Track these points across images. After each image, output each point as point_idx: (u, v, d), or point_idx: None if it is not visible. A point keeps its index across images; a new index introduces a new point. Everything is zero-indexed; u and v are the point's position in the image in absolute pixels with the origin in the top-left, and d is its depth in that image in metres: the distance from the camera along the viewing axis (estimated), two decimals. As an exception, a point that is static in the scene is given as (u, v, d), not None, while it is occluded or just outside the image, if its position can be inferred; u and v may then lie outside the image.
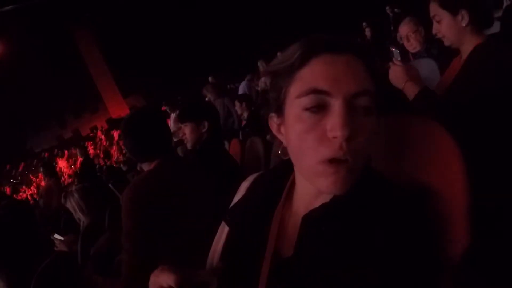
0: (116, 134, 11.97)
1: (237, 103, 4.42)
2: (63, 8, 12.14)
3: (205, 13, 12.02)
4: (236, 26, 11.37)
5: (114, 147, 10.67)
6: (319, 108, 0.55)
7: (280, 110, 0.62)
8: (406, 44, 2.60)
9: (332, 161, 0.54)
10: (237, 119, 4.62)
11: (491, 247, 0.89)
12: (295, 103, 0.57)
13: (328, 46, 0.57)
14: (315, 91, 0.55)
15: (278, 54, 0.64)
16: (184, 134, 1.92)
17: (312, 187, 0.61)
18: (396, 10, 6.30)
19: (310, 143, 0.56)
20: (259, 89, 5.35)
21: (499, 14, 2.41)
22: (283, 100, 0.60)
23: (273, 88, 0.62)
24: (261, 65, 5.90)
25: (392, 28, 6.17)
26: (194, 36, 12.31)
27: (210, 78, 6.22)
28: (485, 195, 0.78)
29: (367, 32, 6.67)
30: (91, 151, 12.00)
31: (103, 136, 13.15)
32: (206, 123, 1.89)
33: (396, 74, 1.42)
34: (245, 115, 4.30)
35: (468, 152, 0.66)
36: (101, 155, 10.28)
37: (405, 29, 2.60)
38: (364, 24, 6.88)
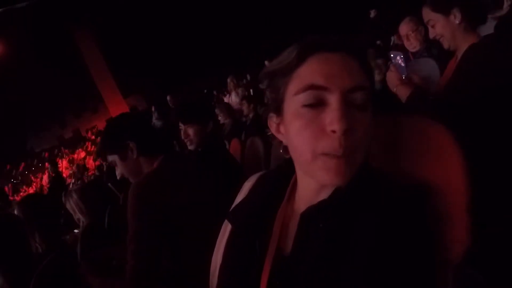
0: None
1: (244, 103, 4.53)
2: (63, 8, 12.14)
3: (205, 13, 12.02)
4: (236, 26, 11.36)
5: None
6: (317, 104, 0.57)
7: (279, 110, 0.64)
8: (406, 44, 2.60)
9: (331, 154, 0.56)
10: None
11: (491, 247, 0.88)
12: (294, 100, 0.60)
13: (323, 45, 0.59)
14: (313, 87, 0.57)
15: (266, 62, 0.67)
16: (188, 135, 1.87)
17: (313, 184, 0.63)
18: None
19: (309, 137, 0.57)
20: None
21: (499, 13, 2.40)
22: (282, 99, 0.62)
23: (272, 88, 0.64)
24: (231, 81, 5.98)
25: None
26: (194, 36, 12.31)
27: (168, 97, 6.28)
28: (485, 195, 0.78)
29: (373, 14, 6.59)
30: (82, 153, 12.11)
31: (93, 137, 13.17)
32: (211, 124, 1.86)
33: (388, 78, 1.47)
34: (251, 115, 4.40)
35: (466, 151, 0.66)
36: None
37: (404, 29, 2.60)
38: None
